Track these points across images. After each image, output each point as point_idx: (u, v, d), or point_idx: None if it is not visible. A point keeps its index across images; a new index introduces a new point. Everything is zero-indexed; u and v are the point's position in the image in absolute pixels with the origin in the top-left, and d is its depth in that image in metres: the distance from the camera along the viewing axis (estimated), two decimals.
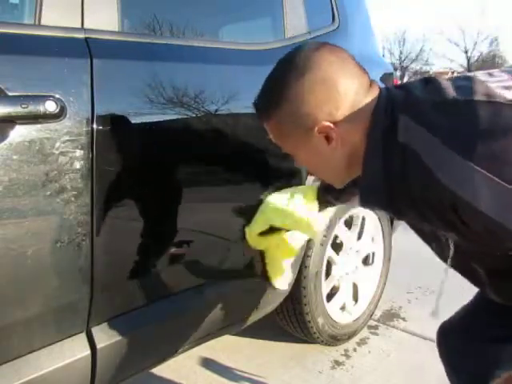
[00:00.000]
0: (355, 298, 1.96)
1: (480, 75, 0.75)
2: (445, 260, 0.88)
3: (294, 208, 1.18)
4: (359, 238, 1.92)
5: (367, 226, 1.94)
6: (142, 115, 1.06)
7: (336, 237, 1.79)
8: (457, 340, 0.99)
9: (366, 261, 2.00)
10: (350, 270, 1.89)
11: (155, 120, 1.10)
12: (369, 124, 0.76)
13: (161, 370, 1.65)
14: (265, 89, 0.83)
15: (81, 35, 0.97)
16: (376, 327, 2.07)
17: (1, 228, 0.85)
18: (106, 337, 1.06)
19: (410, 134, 0.70)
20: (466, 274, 0.93)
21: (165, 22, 1.20)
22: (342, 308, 1.90)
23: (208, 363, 1.74)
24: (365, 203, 0.82)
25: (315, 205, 1.20)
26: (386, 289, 2.10)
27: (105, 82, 0.98)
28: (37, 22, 0.93)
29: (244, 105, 1.29)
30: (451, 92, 0.71)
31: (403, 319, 2.13)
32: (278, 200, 1.20)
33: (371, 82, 0.80)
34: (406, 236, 3.08)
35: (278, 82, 0.79)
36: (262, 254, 1.25)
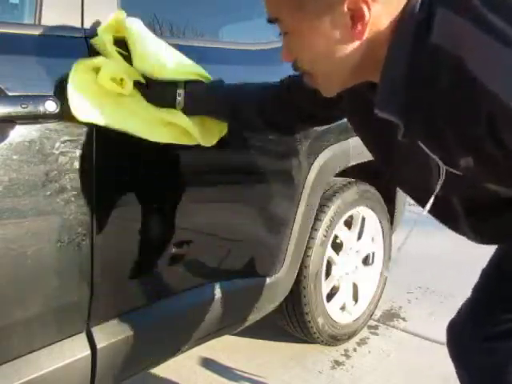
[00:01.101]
0: (355, 298, 1.96)
1: None
2: (420, 195, 0.80)
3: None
4: (359, 238, 1.92)
5: (367, 226, 1.94)
6: None
7: (336, 237, 1.80)
8: (465, 337, 0.99)
9: (366, 261, 2.00)
10: (349, 270, 1.89)
11: None
12: (400, 15, 0.63)
13: (161, 370, 1.65)
14: None
15: (81, 35, 0.97)
16: (376, 327, 2.07)
17: (1, 228, 0.85)
18: (105, 337, 1.06)
19: (452, 35, 0.58)
20: (440, 211, 0.83)
21: (165, 21, 1.20)
22: (342, 308, 1.90)
23: (208, 363, 1.74)
24: (380, 108, 0.65)
25: None
26: (385, 289, 2.10)
27: None
28: (37, 22, 0.93)
29: None
30: None
31: (403, 319, 2.13)
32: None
33: None
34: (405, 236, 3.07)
35: None
36: None
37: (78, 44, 0.96)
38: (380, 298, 2.07)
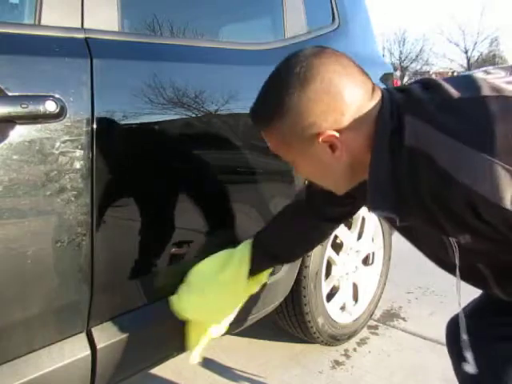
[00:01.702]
0: (355, 298, 1.96)
1: (478, 72, 0.75)
2: (447, 266, 0.86)
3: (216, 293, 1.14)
4: (359, 237, 1.92)
5: (367, 226, 1.94)
6: (142, 115, 1.06)
7: (336, 237, 1.79)
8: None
9: (366, 261, 2.00)
10: (350, 270, 1.89)
11: (155, 120, 1.10)
12: (374, 129, 0.74)
13: (161, 370, 1.65)
14: (264, 96, 0.81)
15: (81, 35, 0.97)
16: (376, 327, 2.07)
17: (1, 228, 0.85)
18: (106, 337, 1.06)
19: (419, 137, 0.68)
20: (469, 277, 0.90)
21: (165, 22, 1.20)
22: (342, 308, 1.90)
23: (208, 363, 1.74)
24: (373, 208, 0.78)
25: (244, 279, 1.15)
26: (385, 289, 2.10)
27: (105, 81, 0.98)
28: (37, 22, 0.93)
29: (244, 105, 1.29)
30: (454, 91, 0.70)
31: (403, 319, 2.13)
32: (206, 275, 1.16)
33: (373, 86, 0.78)
34: None
35: (279, 91, 0.76)
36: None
37: (77, 44, 0.96)
38: (380, 298, 2.07)
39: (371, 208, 0.79)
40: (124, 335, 1.09)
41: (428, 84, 0.75)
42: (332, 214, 1.11)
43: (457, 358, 1.00)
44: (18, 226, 0.87)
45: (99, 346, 1.04)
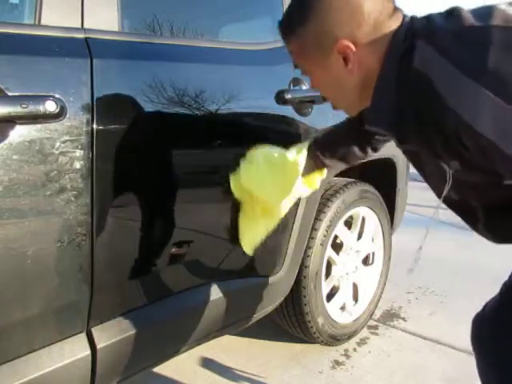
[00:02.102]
0: (355, 298, 1.96)
1: (503, 4, 0.76)
2: (440, 193, 0.89)
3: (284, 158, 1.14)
4: (359, 237, 1.92)
5: (367, 226, 1.94)
6: (141, 115, 1.07)
7: (336, 237, 1.80)
8: (490, 333, 0.99)
9: (365, 261, 2.00)
10: (350, 270, 1.89)
11: (155, 120, 1.10)
12: (387, 49, 0.78)
13: (161, 370, 1.65)
14: (290, 9, 0.86)
15: (81, 35, 0.97)
16: (376, 327, 2.07)
17: (1, 228, 0.85)
18: (106, 337, 1.06)
19: (425, 61, 0.71)
20: (460, 209, 0.95)
21: (165, 22, 1.20)
22: (342, 308, 1.90)
23: (208, 363, 1.74)
24: (372, 123, 0.83)
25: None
26: (385, 289, 2.10)
27: (105, 81, 0.98)
28: (37, 22, 0.93)
29: (244, 105, 1.29)
30: (470, 19, 0.72)
31: (403, 319, 2.13)
32: (267, 148, 1.17)
33: (395, 8, 0.81)
34: (406, 236, 3.09)
35: (303, 2, 0.82)
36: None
37: (77, 44, 0.96)
38: (380, 298, 2.07)
39: (369, 122, 0.84)
40: (124, 335, 1.09)
41: (451, 12, 0.77)
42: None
43: (478, 355, 1.00)
44: (18, 225, 0.87)
45: (99, 346, 1.04)
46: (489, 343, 0.97)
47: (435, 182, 0.92)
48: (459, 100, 0.68)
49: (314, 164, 1.17)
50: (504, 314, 0.96)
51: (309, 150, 1.15)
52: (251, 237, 1.20)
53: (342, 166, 1.27)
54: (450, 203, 0.93)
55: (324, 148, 1.17)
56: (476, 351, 1.02)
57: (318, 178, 1.21)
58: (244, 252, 1.21)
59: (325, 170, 1.20)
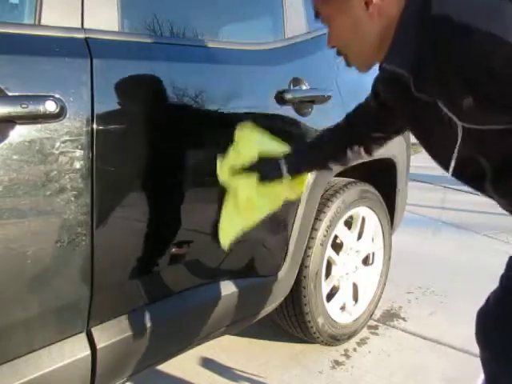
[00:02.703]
0: (355, 298, 1.96)
1: None
2: (447, 161, 0.89)
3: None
4: (359, 237, 1.92)
5: (367, 226, 1.94)
6: (141, 115, 1.07)
7: (336, 237, 1.80)
8: (495, 326, 0.99)
9: (366, 261, 2.00)
10: (350, 270, 1.89)
11: (155, 120, 1.10)
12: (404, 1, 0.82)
13: (161, 370, 1.65)
14: None
15: (81, 35, 0.97)
16: (376, 327, 2.07)
17: (1, 228, 0.85)
18: (106, 337, 1.06)
19: (444, 4, 0.75)
20: (469, 173, 0.93)
21: (164, 22, 1.20)
22: (342, 308, 1.90)
23: (208, 363, 1.74)
24: (392, 61, 0.85)
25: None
26: (385, 289, 2.10)
27: (105, 81, 0.98)
28: (37, 22, 0.93)
29: (244, 105, 1.29)
30: None
31: (403, 319, 2.13)
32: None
33: None
34: (405, 236, 3.09)
35: None
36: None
37: (77, 44, 0.96)
38: (380, 298, 2.07)
39: (388, 61, 0.85)
40: (124, 335, 1.09)
41: None
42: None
43: (483, 348, 1.01)
44: (18, 225, 0.87)
45: (99, 345, 1.04)
46: (495, 336, 0.97)
47: (443, 148, 0.90)
48: (491, 21, 0.70)
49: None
50: (508, 306, 0.96)
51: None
52: (229, 229, 1.17)
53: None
54: (458, 167, 0.90)
55: (304, 164, 1.19)
56: (481, 345, 1.02)
57: (303, 182, 1.23)
58: (245, 252, 1.22)
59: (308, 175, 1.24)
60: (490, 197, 0.94)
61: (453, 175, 0.93)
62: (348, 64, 0.98)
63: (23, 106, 0.84)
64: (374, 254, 2.02)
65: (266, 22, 1.68)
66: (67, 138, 0.91)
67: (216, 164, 1.16)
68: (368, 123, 1.15)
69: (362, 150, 1.18)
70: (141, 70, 1.08)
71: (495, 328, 0.97)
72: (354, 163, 1.34)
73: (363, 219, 1.92)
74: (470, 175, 0.94)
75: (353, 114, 1.19)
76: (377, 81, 1.06)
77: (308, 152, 1.22)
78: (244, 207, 1.16)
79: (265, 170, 1.15)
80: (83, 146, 0.93)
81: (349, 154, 1.17)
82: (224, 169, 1.15)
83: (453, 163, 0.88)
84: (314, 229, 1.62)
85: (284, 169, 1.14)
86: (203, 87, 1.18)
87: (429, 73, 0.79)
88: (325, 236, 1.66)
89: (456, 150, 0.85)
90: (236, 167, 1.15)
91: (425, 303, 2.28)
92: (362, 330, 2.00)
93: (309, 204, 1.52)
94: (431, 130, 0.92)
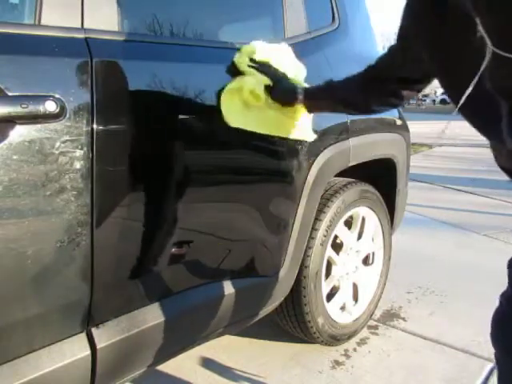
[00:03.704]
0: (355, 298, 1.96)
1: None
2: (458, 97, 0.80)
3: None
4: (359, 237, 1.92)
5: (367, 226, 1.94)
6: (141, 115, 1.06)
7: (336, 237, 1.80)
8: (507, 326, 0.98)
9: (366, 261, 2.00)
10: (350, 270, 1.89)
11: (155, 120, 1.10)
12: None
13: (161, 370, 1.65)
14: None
15: (81, 35, 0.97)
16: (376, 327, 2.07)
17: (1, 228, 0.85)
18: (106, 337, 1.06)
19: None
20: (484, 116, 0.84)
21: (164, 22, 1.20)
22: (342, 308, 1.91)
23: (208, 363, 1.74)
24: None
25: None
26: (385, 289, 2.10)
27: (105, 82, 0.98)
28: (37, 22, 0.93)
29: None
30: None
31: (403, 319, 2.13)
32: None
33: None
34: (405, 236, 3.09)
35: None
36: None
37: (77, 44, 0.96)
38: (380, 298, 2.07)
39: None
40: (124, 335, 1.09)
41: None
42: (400, 76, 1.08)
43: (499, 349, 0.99)
44: (18, 225, 0.87)
45: (99, 345, 1.04)
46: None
47: (463, 75, 0.79)
48: None
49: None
50: None
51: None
52: (231, 107, 1.20)
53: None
54: (470, 104, 0.80)
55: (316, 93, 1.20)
56: (500, 347, 1.00)
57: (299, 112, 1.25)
58: (245, 252, 1.22)
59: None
60: (501, 142, 0.83)
61: (460, 111, 0.84)
62: None
63: (23, 106, 0.84)
64: (374, 253, 2.02)
65: (266, 21, 1.68)
66: (67, 137, 0.91)
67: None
68: (390, 71, 1.08)
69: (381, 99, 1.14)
70: (141, 69, 1.08)
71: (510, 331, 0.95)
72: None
73: (363, 219, 1.92)
74: (486, 117, 0.83)
75: (374, 65, 1.12)
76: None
77: (326, 86, 1.20)
78: (248, 97, 1.20)
79: (279, 88, 1.18)
80: (83, 146, 0.93)
81: (369, 99, 1.14)
82: (243, 57, 1.22)
83: (467, 92, 0.77)
84: (314, 229, 1.62)
85: (299, 93, 1.17)
86: (203, 87, 1.18)
87: None
88: (325, 236, 1.66)
89: (476, 78, 0.75)
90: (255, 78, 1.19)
91: (425, 303, 2.28)
92: (362, 330, 2.00)
93: (309, 204, 1.52)
94: (454, 55, 0.83)
